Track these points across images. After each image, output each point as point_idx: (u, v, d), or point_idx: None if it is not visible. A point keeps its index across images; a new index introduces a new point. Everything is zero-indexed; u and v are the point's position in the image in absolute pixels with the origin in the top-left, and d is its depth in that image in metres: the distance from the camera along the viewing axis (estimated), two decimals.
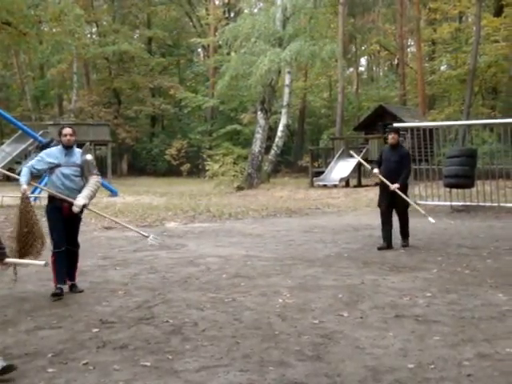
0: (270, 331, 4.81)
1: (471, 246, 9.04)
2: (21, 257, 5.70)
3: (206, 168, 26.54)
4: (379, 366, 4.00)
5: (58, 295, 5.96)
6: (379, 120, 24.81)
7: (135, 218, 12.80)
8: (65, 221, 6.10)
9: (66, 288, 6.17)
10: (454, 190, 14.24)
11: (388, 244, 8.94)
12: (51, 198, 6.17)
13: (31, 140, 23.78)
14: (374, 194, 17.44)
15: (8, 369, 3.79)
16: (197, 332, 4.83)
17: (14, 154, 26.55)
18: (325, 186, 22.08)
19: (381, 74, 48.57)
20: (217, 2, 42.93)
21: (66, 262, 6.14)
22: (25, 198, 5.99)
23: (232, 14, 42.30)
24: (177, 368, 4.00)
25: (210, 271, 7.34)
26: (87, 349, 4.42)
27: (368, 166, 9.54)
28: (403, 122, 20.36)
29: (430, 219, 9.41)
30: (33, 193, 13.43)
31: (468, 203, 14.19)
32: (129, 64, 40.72)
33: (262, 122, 24.58)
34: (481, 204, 14.01)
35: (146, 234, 6.88)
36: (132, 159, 41.80)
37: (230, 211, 14.54)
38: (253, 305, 5.66)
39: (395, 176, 8.87)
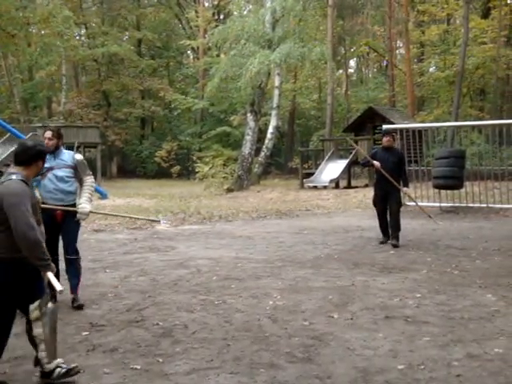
0: (260, 333, 4.82)
1: (460, 246, 9.09)
2: None
3: (196, 170, 26.52)
4: (369, 367, 4.01)
5: None
6: (369, 121, 24.86)
7: (125, 221, 12.75)
8: (59, 228, 5.75)
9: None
10: (443, 191, 14.30)
11: (388, 238, 9.40)
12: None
13: None
14: (363, 195, 17.52)
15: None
16: (187, 334, 4.82)
17: (3, 156, 26.34)
18: (315, 187, 22.11)
19: (370, 75, 48.75)
20: (206, 4, 42.92)
21: (58, 272, 5.59)
22: None
23: (221, 16, 42.29)
24: (167, 371, 3.99)
25: (201, 273, 7.33)
26: (77, 352, 4.40)
27: (368, 157, 9.63)
28: (392, 123, 20.41)
29: (436, 221, 9.69)
30: None
31: (457, 204, 14.27)
32: (118, 66, 40.62)
33: (251, 123, 24.59)
34: (470, 205, 14.08)
35: (157, 219, 6.84)
36: (122, 161, 41.67)
37: (220, 213, 14.53)
38: (243, 307, 5.66)
39: (394, 176, 9.23)
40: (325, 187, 21.62)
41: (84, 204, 5.72)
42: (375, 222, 9.92)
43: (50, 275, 3.61)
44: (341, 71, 41.20)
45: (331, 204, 16.95)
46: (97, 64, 40.07)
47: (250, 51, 23.74)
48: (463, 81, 25.54)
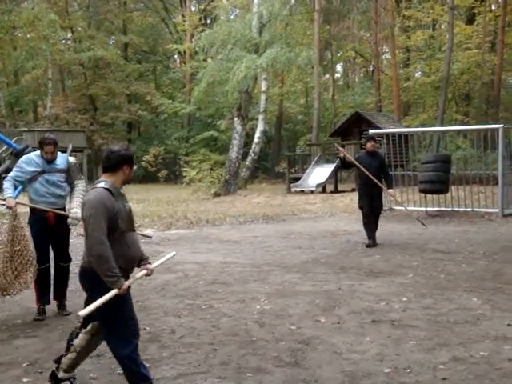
0: (247, 338, 4.82)
1: (446, 250, 9.15)
2: (15, 278, 5.25)
3: (183, 174, 26.44)
4: (356, 371, 4.03)
5: (40, 320, 5.49)
6: (355, 126, 24.99)
7: None
8: (51, 233, 5.62)
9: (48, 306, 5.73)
10: (429, 196, 14.40)
11: (374, 241, 9.58)
12: (33, 209, 5.64)
13: (5, 147, 23.45)
14: (350, 199, 17.58)
15: None
16: (174, 339, 4.81)
17: None
18: (302, 191, 22.19)
19: (356, 80, 48.96)
20: (193, 9, 42.93)
21: (50, 280, 5.71)
22: (16, 214, 5.35)
23: (208, 21, 42.32)
24: (154, 376, 3.97)
25: (188, 278, 7.32)
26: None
27: (354, 161, 9.76)
28: (379, 128, 20.55)
29: (423, 222, 9.92)
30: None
31: (443, 208, 14.36)
32: (105, 70, 40.44)
33: (238, 128, 24.58)
34: (455, 209, 14.18)
35: (149, 235, 6.85)
36: None
37: (208, 217, 14.51)
38: (230, 311, 5.66)
39: (378, 180, 9.54)
40: (312, 191, 21.69)
41: (76, 209, 5.52)
42: (362, 226, 9.98)
43: (104, 297, 3.48)
44: (327, 76, 41.34)
45: (318, 208, 17.00)
46: (83, 68, 39.86)
47: (237, 56, 23.74)
48: (448, 86, 25.75)
